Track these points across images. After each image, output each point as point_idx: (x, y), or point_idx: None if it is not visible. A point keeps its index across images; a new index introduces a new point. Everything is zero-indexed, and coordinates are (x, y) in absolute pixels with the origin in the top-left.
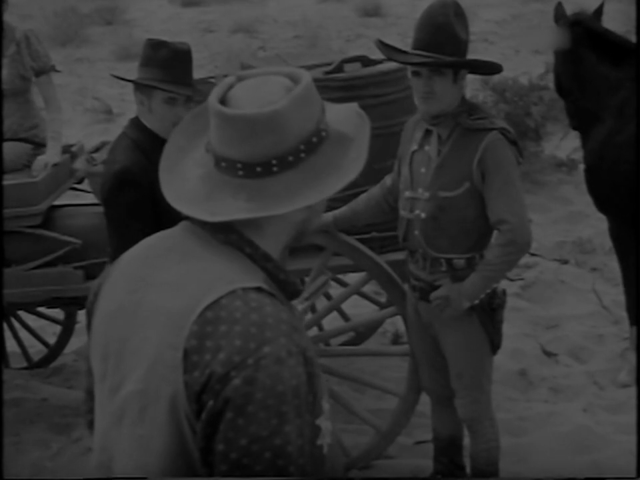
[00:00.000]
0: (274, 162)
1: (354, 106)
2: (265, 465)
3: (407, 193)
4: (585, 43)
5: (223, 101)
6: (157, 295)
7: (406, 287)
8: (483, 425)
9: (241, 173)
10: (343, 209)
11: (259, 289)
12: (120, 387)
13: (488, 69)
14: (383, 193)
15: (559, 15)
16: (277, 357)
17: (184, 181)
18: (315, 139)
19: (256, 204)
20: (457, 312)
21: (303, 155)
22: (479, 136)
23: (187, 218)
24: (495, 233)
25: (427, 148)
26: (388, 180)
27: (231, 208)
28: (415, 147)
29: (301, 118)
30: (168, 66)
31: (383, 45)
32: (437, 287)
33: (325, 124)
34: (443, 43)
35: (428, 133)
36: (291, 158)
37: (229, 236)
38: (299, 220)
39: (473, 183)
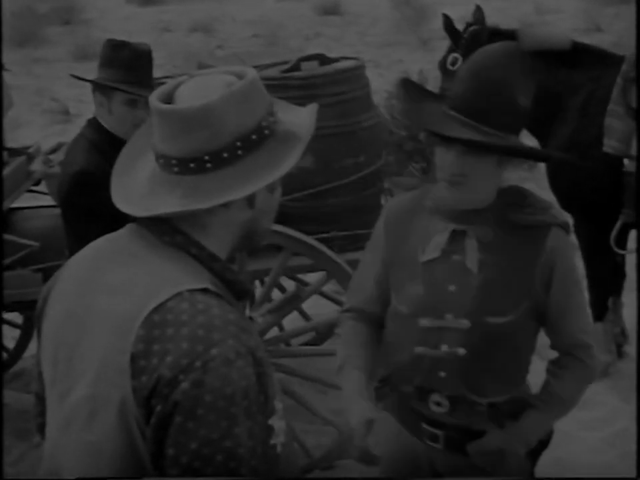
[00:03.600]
0: (207, 158)
1: (313, 107)
2: (216, 468)
3: (425, 321)
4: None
5: (170, 99)
6: (105, 298)
7: (390, 420)
8: None
9: (176, 169)
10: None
11: (205, 290)
12: (69, 392)
13: (544, 158)
14: (376, 327)
15: (479, 18)
16: (225, 359)
17: (133, 180)
18: (254, 137)
19: (189, 200)
20: (511, 464)
21: (240, 152)
22: (536, 235)
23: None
24: (561, 358)
25: (456, 257)
26: (373, 306)
27: (165, 203)
28: (434, 254)
29: (237, 114)
30: (129, 67)
31: (411, 86)
32: (473, 433)
33: (270, 122)
34: (495, 112)
35: (457, 234)
36: (225, 154)
37: (175, 237)
38: (242, 220)
39: (532, 301)
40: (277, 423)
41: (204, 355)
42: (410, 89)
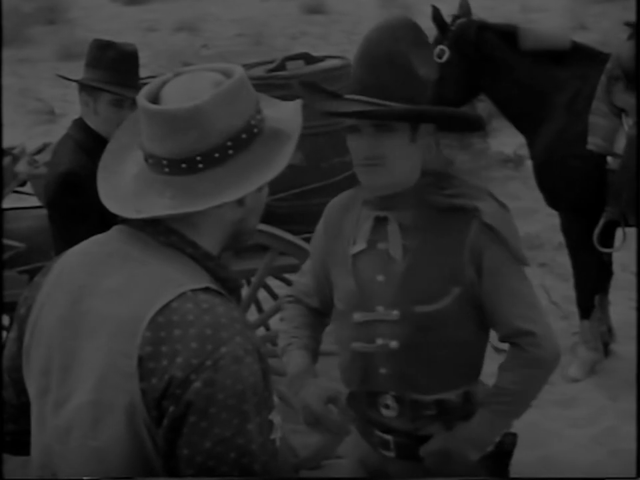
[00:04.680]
0: (198, 158)
1: (298, 103)
2: (230, 466)
3: (357, 316)
4: (502, 47)
5: (156, 98)
6: (103, 303)
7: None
8: None
9: (166, 169)
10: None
11: (207, 289)
12: (67, 400)
13: (462, 122)
14: (315, 314)
15: (465, 10)
16: (234, 356)
17: (121, 179)
18: (244, 136)
19: (180, 201)
20: (462, 467)
21: (230, 151)
22: (460, 219)
23: (124, 221)
24: (508, 349)
25: (381, 245)
26: (309, 298)
27: (156, 205)
28: (361, 245)
29: (226, 114)
30: (115, 68)
31: (307, 87)
32: (422, 438)
33: (258, 120)
34: (393, 84)
35: (380, 221)
36: (217, 154)
37: (170, 237)
38: (234, 219)
39: (464, 286)
40: (275, 417)
41: (214, 354)
42: (309, 85)
